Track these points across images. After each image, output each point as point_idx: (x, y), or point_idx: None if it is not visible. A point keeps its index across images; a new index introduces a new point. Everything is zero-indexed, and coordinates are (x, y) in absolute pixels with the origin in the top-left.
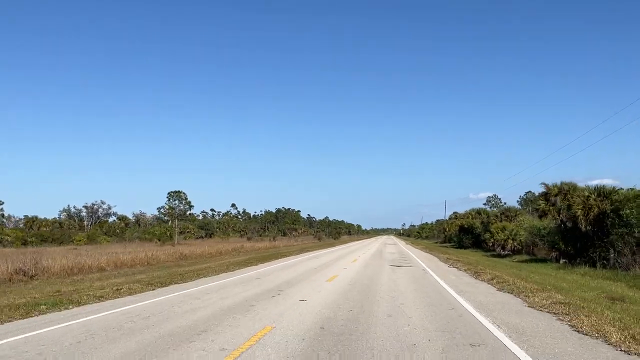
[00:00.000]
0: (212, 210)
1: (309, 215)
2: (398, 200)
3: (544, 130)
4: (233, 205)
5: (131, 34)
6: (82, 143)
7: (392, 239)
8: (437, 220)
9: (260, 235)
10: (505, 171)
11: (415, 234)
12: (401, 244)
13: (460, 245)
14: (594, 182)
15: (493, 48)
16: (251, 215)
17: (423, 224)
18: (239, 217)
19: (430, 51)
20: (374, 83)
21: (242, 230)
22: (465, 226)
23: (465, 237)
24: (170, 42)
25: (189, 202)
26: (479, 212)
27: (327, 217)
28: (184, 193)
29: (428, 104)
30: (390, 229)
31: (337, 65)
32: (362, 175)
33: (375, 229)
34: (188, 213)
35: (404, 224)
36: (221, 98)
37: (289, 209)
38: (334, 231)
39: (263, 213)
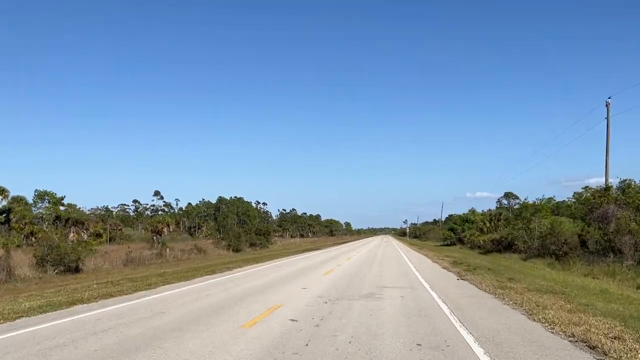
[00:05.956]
0: (134, 201)
1: (283, 210)
2: (393, 200)
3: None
4: (157, 193)
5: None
6: None
7: (390, 241)
8: (553, 198)
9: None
10: (503, 169)
11: (442, 236)
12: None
13: None
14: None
15: (489, 47)
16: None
17: (465, 214)
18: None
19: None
20: (372, 82)
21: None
22: None
23: None
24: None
25: None
26: None
27: (293, 209)
28: None
29: (427, 103)
30: (387, 228)
31: (334, 62)
32: (356, 172)
33: (372, 228)
34: None
35: (405, 221)
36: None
37: (238, 198)
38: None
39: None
